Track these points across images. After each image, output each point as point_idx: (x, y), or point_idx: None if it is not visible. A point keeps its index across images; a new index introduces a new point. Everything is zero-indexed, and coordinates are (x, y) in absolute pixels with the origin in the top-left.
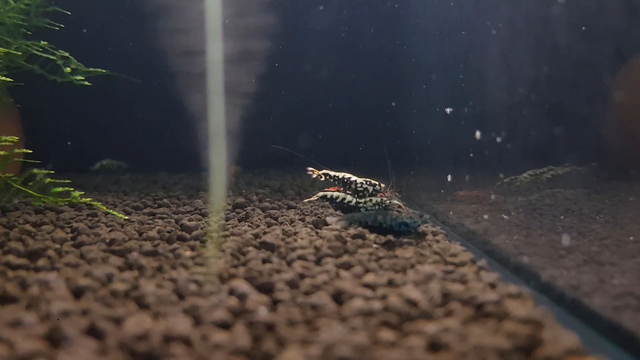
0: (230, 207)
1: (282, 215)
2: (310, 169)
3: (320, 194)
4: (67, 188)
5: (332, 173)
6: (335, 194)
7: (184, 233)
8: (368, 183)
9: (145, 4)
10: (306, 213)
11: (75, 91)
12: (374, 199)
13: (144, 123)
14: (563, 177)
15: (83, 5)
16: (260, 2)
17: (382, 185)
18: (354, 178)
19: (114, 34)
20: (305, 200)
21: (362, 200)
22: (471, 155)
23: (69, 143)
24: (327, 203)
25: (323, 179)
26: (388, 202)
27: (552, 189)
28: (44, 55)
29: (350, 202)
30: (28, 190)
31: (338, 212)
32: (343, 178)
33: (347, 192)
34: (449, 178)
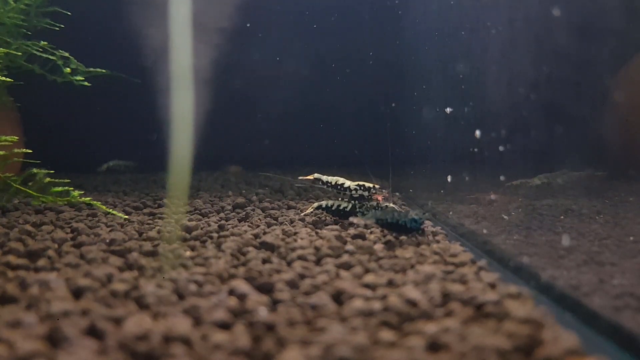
0: (230, 208)
1: (282, 216)
2: (300, 177)
3: (316, 204)
4: (66, 188)
5: (324, 178)
6: (330, 202)
7: (183, 233)
8: (362, 188)
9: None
10: (306, 213)
11: (76, 91)
12: (370, 204)
13: (145, 123)
14: (576, 182)
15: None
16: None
17: (377, 186)
18: (347, 184)
19: (118, 33)
20: (302, 214)
21: (359, 205)
22: (476, 155)
23: (69, 143)
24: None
25: (313, 177)
26: (385, 205)
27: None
28: (44, 55)
29: (346, 207)
30: (27, 190)
31: (336, 218)
32: (336, 184)
33: (343, 198)
34: (449, 179)
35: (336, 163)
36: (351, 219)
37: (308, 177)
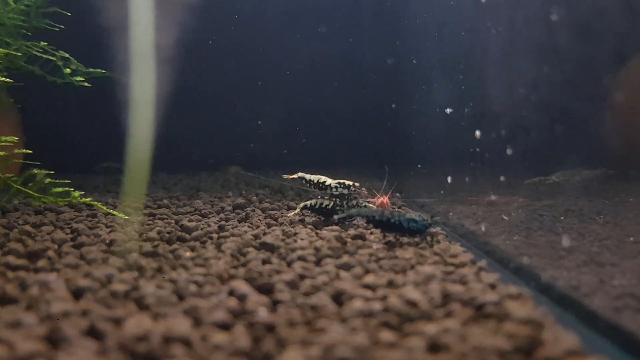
0: (230, 208)
1: (282, 216)
2: (284, 175)
3: (302, 204)
4: (66, 188)
5: (307, 176)
6: (313, 200)
7: (183, 234)
8: (342, 185)
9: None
10: (306, 214)
11: (75, 91)
12: (352, 202)
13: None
14: (591, 180)
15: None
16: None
17: (357, 184)
18: (328, 182)
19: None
20: (290, 215)
21: (339, 203)
22: (486, 155)
23: (69, 143)
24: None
25: (297, 176)
26: (364, 204)
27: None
28: (44, 56)
29: (328, 205)
30: (28, 191)
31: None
32: (318, 182)
33: (324, 196)
34: (449, 179)
35: (337, 164)
36: (335, 216)
37: (292, 176)
